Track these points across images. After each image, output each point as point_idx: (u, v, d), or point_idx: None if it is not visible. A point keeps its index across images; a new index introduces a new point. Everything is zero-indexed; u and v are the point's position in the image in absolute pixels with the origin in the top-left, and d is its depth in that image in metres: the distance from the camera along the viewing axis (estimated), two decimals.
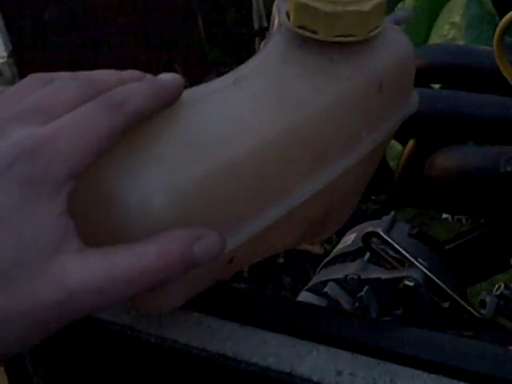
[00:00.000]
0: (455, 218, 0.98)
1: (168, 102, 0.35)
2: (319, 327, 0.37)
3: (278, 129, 0.38)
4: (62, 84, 0.33)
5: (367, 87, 0.42)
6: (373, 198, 2.12)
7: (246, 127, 0.37)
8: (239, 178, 0.36)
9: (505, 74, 0.69)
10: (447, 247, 0.75)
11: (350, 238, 0.69)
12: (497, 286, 0.59)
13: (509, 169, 0.60)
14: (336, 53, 0.41)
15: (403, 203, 0.88)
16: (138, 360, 0.41)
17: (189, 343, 0.38)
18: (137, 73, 0.36)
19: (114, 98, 0.32)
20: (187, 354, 0.38)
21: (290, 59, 0.41)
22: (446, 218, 1.25)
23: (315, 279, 0.65)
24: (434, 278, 0.56)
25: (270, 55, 0.42)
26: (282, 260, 1.90)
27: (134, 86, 0.33)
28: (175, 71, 0.37)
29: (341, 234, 0.76)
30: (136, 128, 0.33)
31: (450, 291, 0.56)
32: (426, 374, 0.33)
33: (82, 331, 0.42)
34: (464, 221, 0.93)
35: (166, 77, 0.35)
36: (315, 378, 0.34)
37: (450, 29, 1.84)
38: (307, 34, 0.41)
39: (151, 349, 0.39)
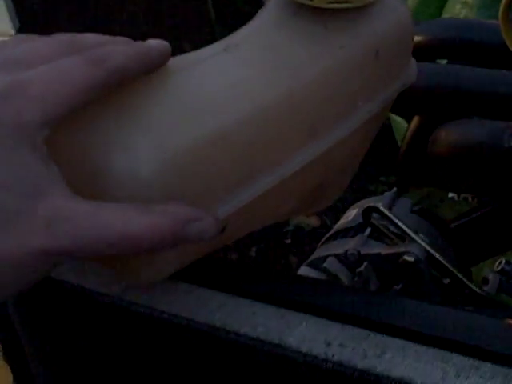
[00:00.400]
0: (461, 196, 0.97)
1: (152, 65, 0.34)
2: (309, 298, 0.36)
3: (270, 96, 0.37)
4: (43, 41, 0.33)
5: (363, 55, 0.41)
6: (382, 179, 2.11)
7: (237, 94, 0.36)
8: (230, 146, 0.35)
9: (511, 49, 0.68)
10: (452, 225, 0.74)
11: (351, 214, 0.68)
12: (498, 262, 0.58)
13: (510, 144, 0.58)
14: (331, 20, 0.40)
15: (408, 181, 0.87)
16: (126, 331, 0.40)
17: (178, 314, 0.37)
18: (123, 38, 0.36)
19: (95, 53, 0.32)
20: (176, 324, 0.37)
21: (283, 26, 0.40)
22: (452, 197, 1.23)
23: (315, 254, 0.64)
24: (434, 253, 0.55)
25: (263, 22, 0.41)
26: (289, 240, 1.90)
27: (116, 46, 0.33)
28: (184, 51, 0.36)
29: (345, 211, 0.75)
30: (124, 93, 0.33)
31: (450, 267, 0.55)
32: (417, 346, 0.33)
33: (70, 302, 0.41)
34: (470, 200, 0.92)
35: (152, 41, 0.35)
36: (304, 349, 0.33)
37: (461, 8, 1.80)
38: (301, 0, 0.40)
39: (140, 319, 0.38)
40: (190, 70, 0.36)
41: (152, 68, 0.34)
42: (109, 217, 0.30)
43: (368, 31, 0.41)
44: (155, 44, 0.34)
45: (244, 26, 0.40)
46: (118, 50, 0.32)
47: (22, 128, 0.29)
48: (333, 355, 0.33)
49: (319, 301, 0.36)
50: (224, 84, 0.36)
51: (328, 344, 0.33)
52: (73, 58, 0.31)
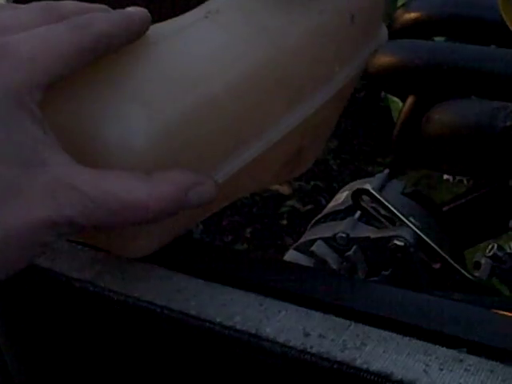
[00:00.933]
0: (456, 179, 0.95)
1: (134, 32, 0.33)
2: (289, 285, 0.35)
3: (253, 62, 0.37)
4: (24, 8, 0.32)
5: (340, 20, 0.41)
6: (379, 160, 2.09)
7: (221, 62, 0.36)
8: (219, 113, 0.35)
9: (509, 26, 0.66)
10: (445, 208, 0.72)
11: (341, 196, 0.67)
12: (490, 247, 0.57)
13: (508, 124, 0.56)
14: None
15: (403, 163, 0.85)
16: (99, 317, 0.38)
17: (152, 301, 0.36)
18: (102, 6, 0.35)
19: (79, 20, 0.31)
20: (150, 311, 0.35)
21: None
22: (447, 180, 1.22)
23: (304, 237, 0.63)
24: (424, 237, 0.54)
25: None
26: (284, 221, 1.88)
27: (99, 13, 0.33)
28: None
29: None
30: (110, 64, 0.33)
31: (441, 252, 0.53)
32: (399, 337, 0.31)
33: (42, 286, 0.40)
34: (465, 182, 0.90)
35: (132, 9, 0.34)
36: (281, 340, 0.32)
37: None
38: None
39: (113, 305, 0.37)
40: (174, 38, 0.36)
41: (135, 35, 0.33)
42: (112, 184, 0.29)
43: None
44: (136, 11, 0.34)
45: None
46: (101, 16, 0.32)
47: (12, 91, 0.28)
48: (311, 346, 0.31)
49: (300, 288, 0.35)
50: (208, 52, 0.36)
51: (307, 334, 0.32)
52: (58, 24, 0.31)
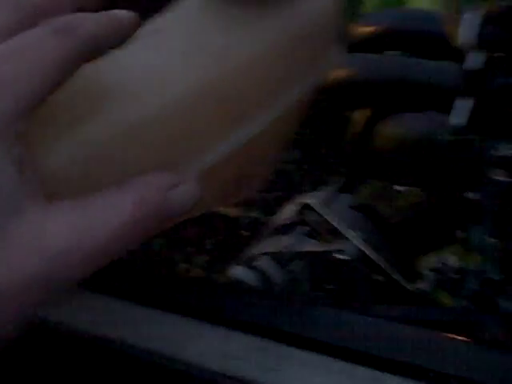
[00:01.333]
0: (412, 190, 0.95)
1: (123, 34, 0.31)
2: (212, 305, 0.34)
3: (191, 83, 0.35)
4: None
5: (287, 40, 0.39)
6: (342, 170, 2.09)
7: (156, 82, 0.34)
8: (148, 136, 0.33)
9: (451, 41, 0.66)
10: (392, 221, 0.72)
11: (288, 210, 0.66)
12: (431, 260, 0.57)
13: (450, 138, 0.57)
14: (255, 5, 0.38)
15: (355, 175, 0.85)
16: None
17: (73, 324, 0.34)
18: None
19: (64, 22, 0.28)
20: (71, 336, 0.34)
21: (208, 9, 0.38)
22: (400, 191, 1.22)
23: (249, 252, 0.62)
24: (366, 250, 0.53)
25: (187, 5, 0.39)
26: (246, 232, 1.87)
27: (85, 13, 0.29)
28: None
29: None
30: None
31: (381, 264, 0.53)
32: (320, 358, 0.30)
33: None
34: (420, 193, 0.91)
35: (118, 11, 0.31)
36: (200, 363, 0.31)
37: None
38: None
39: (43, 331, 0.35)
40: (106, 58, 0.33)
41: (123, 36, 0.31)
42: (99, 216, 0.26)
43: (292, 16, 0.40)
44: (123, 13, 0.31)
45: (168, 9, 0.38)
46: (87, 16, 0.29)
47: None
48: (229, 369, 0.30)
49: (222, 308, 0.34)
50: (144, 70, 0.34)
51: (225, 356, 0.31)
52: (39, 30, 0.27)
